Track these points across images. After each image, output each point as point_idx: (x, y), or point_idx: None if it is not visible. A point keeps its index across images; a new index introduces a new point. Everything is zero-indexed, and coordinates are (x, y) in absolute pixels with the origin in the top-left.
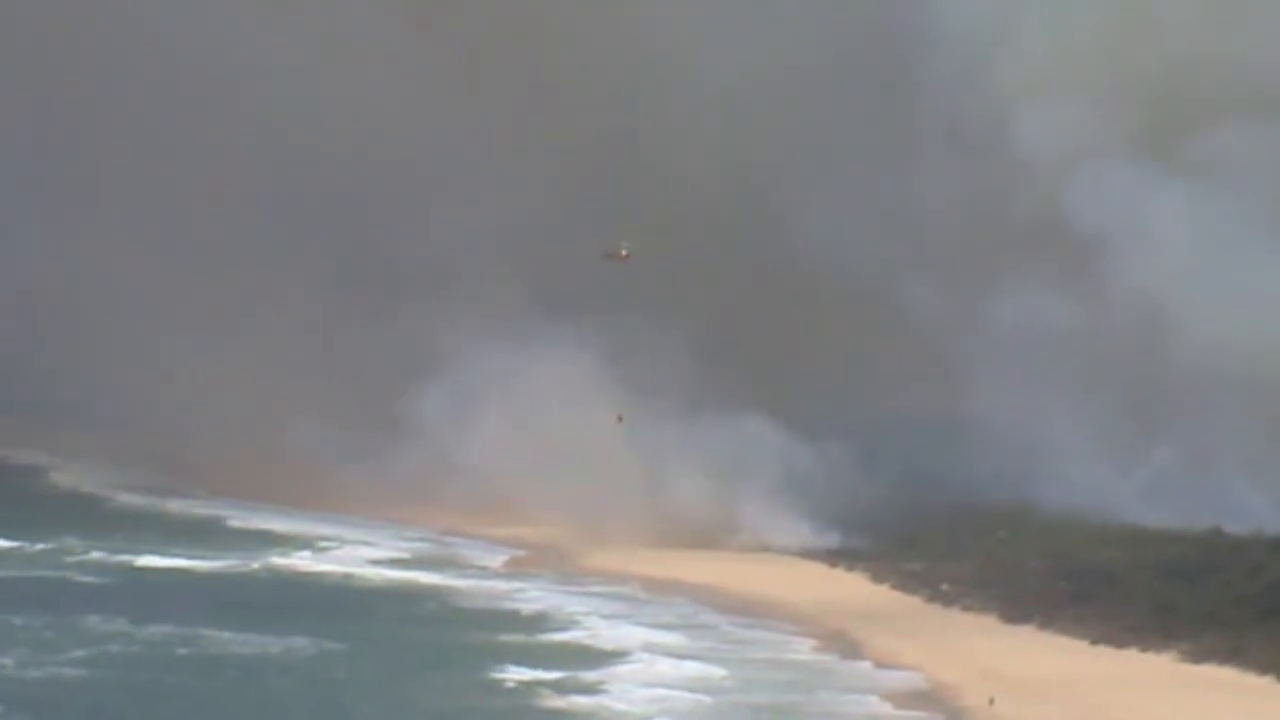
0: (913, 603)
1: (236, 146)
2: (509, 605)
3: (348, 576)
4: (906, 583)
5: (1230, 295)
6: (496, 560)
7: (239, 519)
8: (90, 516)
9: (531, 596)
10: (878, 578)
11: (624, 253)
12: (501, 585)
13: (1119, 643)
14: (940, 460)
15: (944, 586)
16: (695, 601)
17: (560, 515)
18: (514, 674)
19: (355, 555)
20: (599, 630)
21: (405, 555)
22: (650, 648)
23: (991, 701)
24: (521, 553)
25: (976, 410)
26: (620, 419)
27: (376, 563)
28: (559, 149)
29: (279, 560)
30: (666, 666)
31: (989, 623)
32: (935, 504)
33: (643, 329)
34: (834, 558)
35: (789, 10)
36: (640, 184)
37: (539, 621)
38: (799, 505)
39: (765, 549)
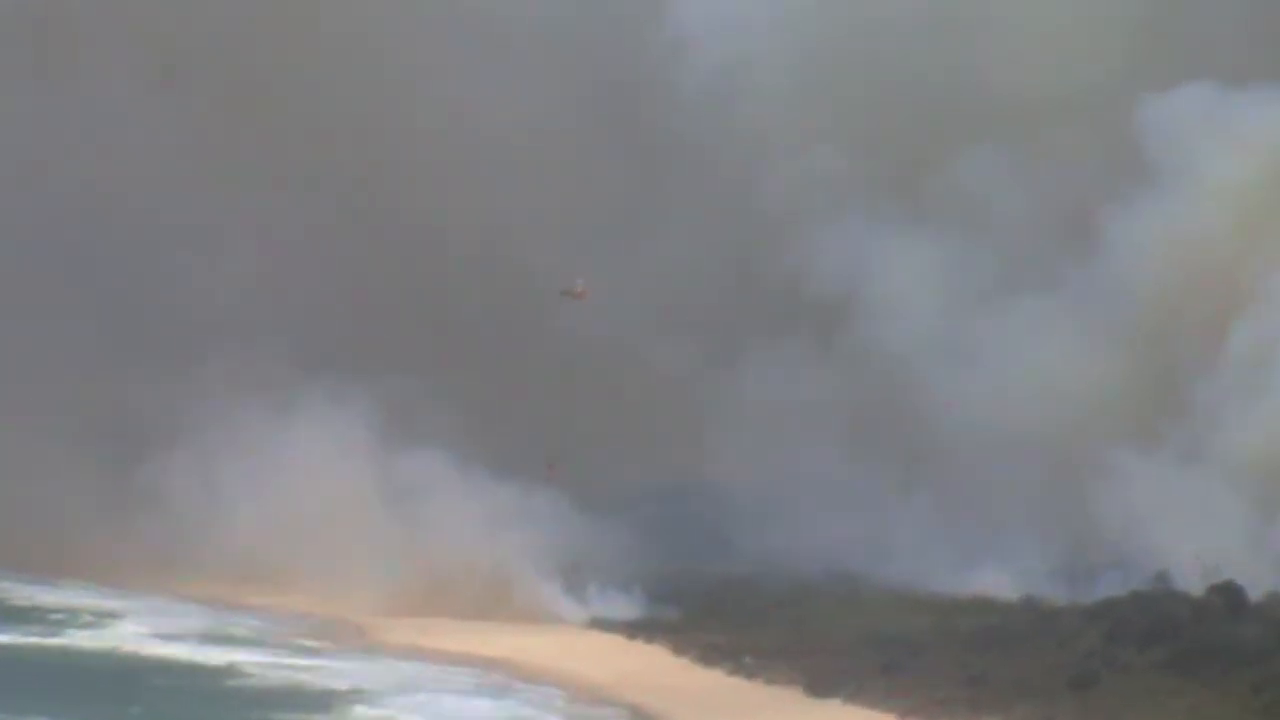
0: (715, 676)
1: None
2: (316, 682)
3: (134, 654)
4: (708, 655)
5: (985, 353)
6: (285, 634)
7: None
8: None
9: (338, 671)
10: (679, 650)
11: (580, 288)
12: (301, 661)
13: (930, 714)
14: (734, 528)
15: (746, 659)
16: (512, 676)
17: (330, 585)
18: None
19: (133, 630)
20: (425, 706)
21: (186, 629)
22: None
23: None
24: (307, 626)
25: (758, 477)
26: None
27: (159, 637)
28: (317, 206)
29: (52, 638)
30: None
31: (794, 696)
32: (733, 573)
33: (411, 392)
34: (632, 629)
35: (533, 64)
36: (400, 243)
37: (355, 698)
38: (591, 575)
39: (558, 621)
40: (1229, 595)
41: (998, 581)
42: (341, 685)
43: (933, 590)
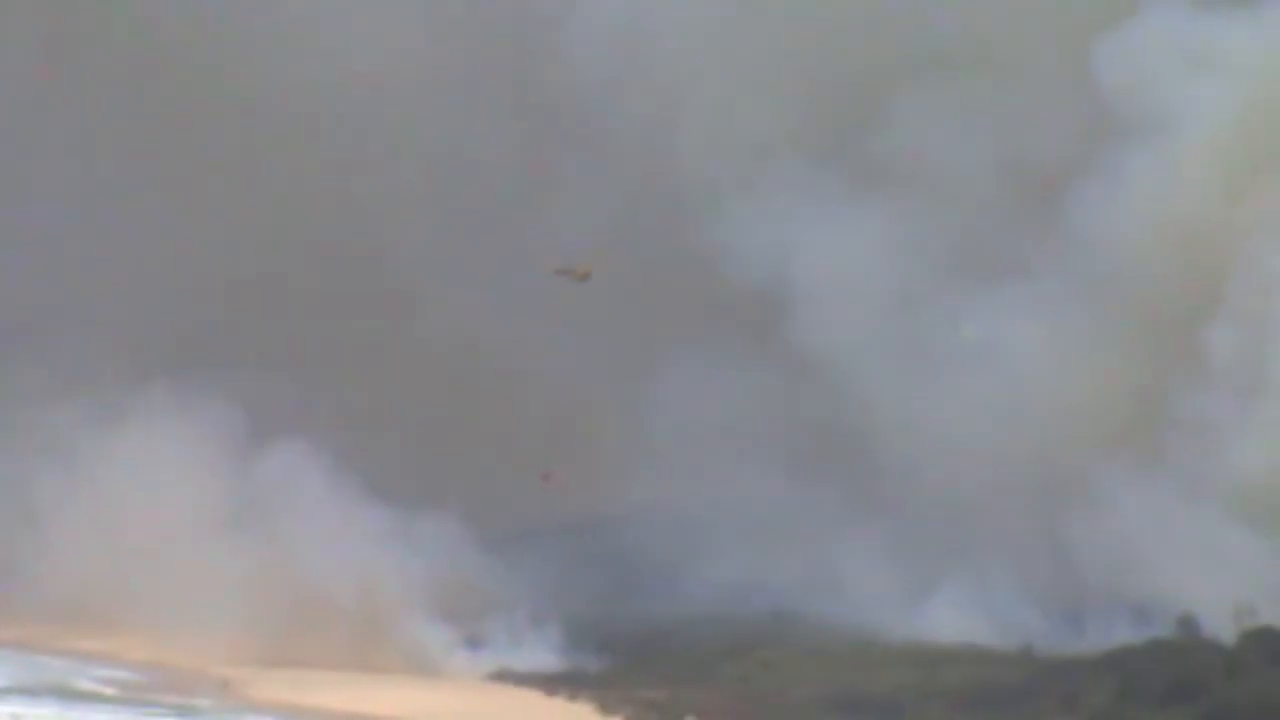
0: None
1: None
2: None
3: None
4: (643, 714)
5: (943, 351)
6: (140, 688)
7: None
8: None
9: None
10: (607, 708)
11: (582, 268)
12: None
13: None
14: (659, 562)
15: (689, 719)
16: None
17: (172, 626)
18: None
19: None
20: None
21: (19, 682)
22: None
23: None
24: (162, 677)
25: (680, 503)
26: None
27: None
28: (155, 172)
29: None
30: None
31: None
32: (665, 615)
33: (268, 397)
34: (552, 684)
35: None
36: (252, 220)
37: None
38: (500, 617)
39: (450, 671)
40: (1267, 643)
41: (966, 623)
42: None
43: (903, 636)
